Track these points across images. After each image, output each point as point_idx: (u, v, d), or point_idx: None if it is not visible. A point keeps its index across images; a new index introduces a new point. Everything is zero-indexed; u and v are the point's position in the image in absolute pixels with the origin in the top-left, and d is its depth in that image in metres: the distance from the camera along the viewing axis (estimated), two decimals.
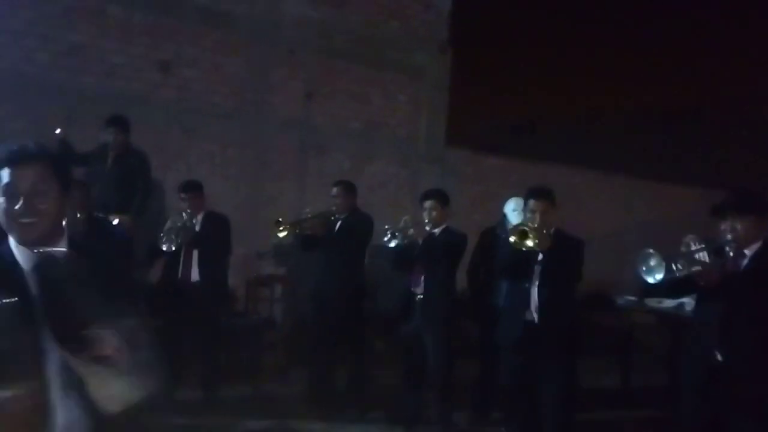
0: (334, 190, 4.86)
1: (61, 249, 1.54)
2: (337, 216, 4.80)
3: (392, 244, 4.17)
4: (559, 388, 3.54)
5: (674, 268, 2.71)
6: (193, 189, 4.65)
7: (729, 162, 12.01)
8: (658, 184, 9.69)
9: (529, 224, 3.51)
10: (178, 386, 4.62)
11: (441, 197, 4.37)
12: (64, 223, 1.62)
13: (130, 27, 5.72)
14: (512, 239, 3.48)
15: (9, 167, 1.53)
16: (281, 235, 4.77)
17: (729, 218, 2.84)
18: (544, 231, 3.46)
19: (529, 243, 3.44)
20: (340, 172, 6.59)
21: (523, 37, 9.86)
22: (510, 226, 4.43)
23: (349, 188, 4.90)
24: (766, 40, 9.89)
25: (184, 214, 4.52)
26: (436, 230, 4.27)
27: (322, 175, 6.67)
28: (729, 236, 2.82)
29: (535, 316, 3.56)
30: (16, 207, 1.51)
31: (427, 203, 4.31)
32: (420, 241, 4.17)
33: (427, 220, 4.26)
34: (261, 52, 6.43)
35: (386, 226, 4.24)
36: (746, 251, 2.83)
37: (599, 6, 10.00)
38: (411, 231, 4.16)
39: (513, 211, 4.48)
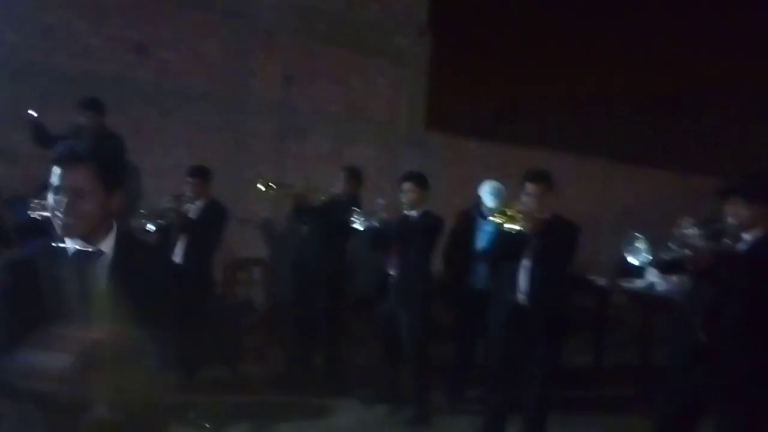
0: (341, 174, 4.87)
1: (95, 249, 1.66)
2: (336, 198, 4.77)
3: (357, 227, 4.21)
4: (546, 369, 3.59)
5: (664, 249, 2.65)
6: (199, 174, 4.63)
7: (706, 147, 12.19)
8: (635, 168, 9.81)
9: (514, 208, 3.52)
10: None
11: (419, 180, 4.39)
12: (111, 222, 1.71)
13: (105, 7, 5.64)
14: (495, 220, 3.52)
15: (59, 166, 1.63)
16: (261, 188, 4.73)
17: (734, 202, 2.72)
18: (534, 214, 3.45)
19: (511, 225, 3.45)
20: (319, 156, 6.60)
21: (504, 22, 9.88)
22: (485, 209, 4.50)
23: (354, 175, 4.92)
24: (745, 28, 10.02)
25: (184, 198, 4.49)
26: (414, 212, 4.30)
27: (302, 159, 6.67)
28: (731, 220, 2.72)
29: (524, 298, 3.58)
30: (60, 206, 1.61)
31: (405, 185, 4.34)
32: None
33: (404, 202, 4.29)
34: (239, 35, 6.38)
35: (355, 209, 4.26)
36: (746, 237, 2.73)
37: None
38: (383, 214, 4.18)
39: (488, 194, 4.52)
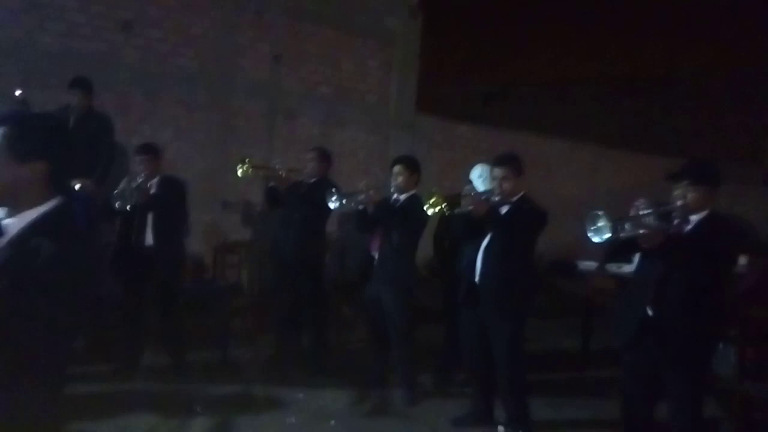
0: (309, 154, 4.86)
1: None
2: (304, 180, 4.80)
3: (332, 206, 4.21)
4: (504, 348, 3.64)
5: (621, 229, 2.82)
6: (149, 151, 4.56)
7: (693, 131, 12.24)
8: (624, 152, 9.84)
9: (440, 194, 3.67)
10: (143, 352, 4.63)
11: (410, 163, 4.38)
12: (40, 194, 1.65)
13: None
14: (431, 210, 3.65)
15: None
16: (239, 171, 4.77)
17: (682, 185, 2.94)
18: (475, 197, 3.62)
19: (434, 209, 3.63)
20: (309, 138, 6.54)
21: (495, 5, 9.80)
22: (469, 191, 4.50)
23: (323, 155, 4.88)
24: (732, 11, 10.00)
25: (138, 177, 4.45)
26: (402, 196, 4.29)
27: (291, 141, 6.61)
28: (679, 202, 2.93)
29: (477, 277, 3.71)
30: None
31: (396, 168, 4.33)
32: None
33: (394, 185, 4.28)
34: (228, 13, 6.28)
35: (332, 189, 4.25)
36: (692, 218, 2.95)
37: None
38: (362, 196, 4.17)
39: (479, 177, 4.50)
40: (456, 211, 3.64)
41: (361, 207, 4.23)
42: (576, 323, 5.53)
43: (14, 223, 1.63)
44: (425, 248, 4.68)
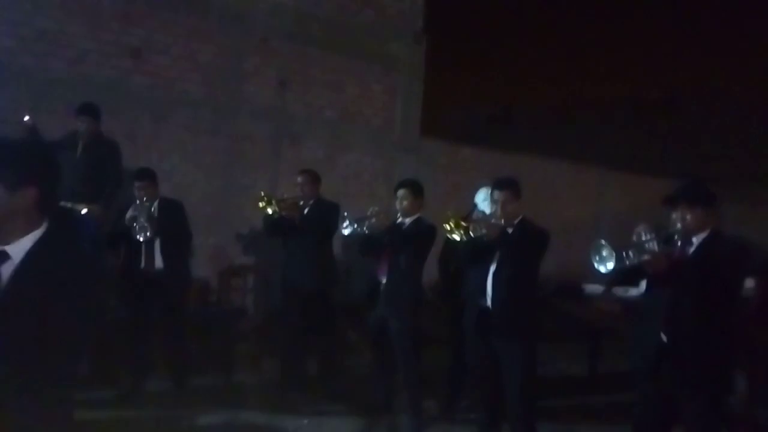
0: (300, 178, 4.90)
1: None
2: (303, 204, 4.81)
3: (346, 232, 4.20)
4: (517, 373, 3.62)
5: (625, 257, 2.83)
6: (147, 177, 4.61)
7: (699, 153, 12.24)
8: (629, 174, 9.84)
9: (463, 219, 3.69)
10: (147, 377, 4.61)
11: (414, 187, 4.39)
12: (31, 222, 1.65)
13: (100, 12, 5.62)
14: (452, 236, 3.65)
15: None
16: (264, 206, 4.62)
17: (679, 208, 2.97)
18: (491, 222, 3.65)
19: (456, 236, 3.63)
20: (314, 162, 6.57)
21: (498, 28, 9.90)
22: (479, 216, 4.50)
23: (313, 177, 4.92)
24: (738, 34, 10.08)
25: (142, 203, 4.48)
26: (407, 220, 4.30)
27: (297, 165, 6.61)
28: (678, 225, 2.96)
29: (489, 302, 3.69)
30: None
31: (400, 192, 4.34)
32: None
33: (398, 209, 4.29)
34: (234, 40, 6.36)
35: (345, 213, 4.26)
36: (694, 239, 2.97)
37: None
38: (373, 220, 4.18)
39: (483, 200, 4.52)
40: (472, 235, 3.64)
41: (367, 232, 4.23)
42: (582, 347, 5.48)
43: (16, 249, 1.63)
44: (430, 272, 4.67)
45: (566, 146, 9.65)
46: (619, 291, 5.11)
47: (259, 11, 6.48)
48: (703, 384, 2.87)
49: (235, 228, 6.25)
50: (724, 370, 2.96)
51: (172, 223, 4.58)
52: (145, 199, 4.51)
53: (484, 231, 3.60)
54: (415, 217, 4.32)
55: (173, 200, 4.74)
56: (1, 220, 1.62)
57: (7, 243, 1.62)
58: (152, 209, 4.53)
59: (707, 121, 12.53)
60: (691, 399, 2.90)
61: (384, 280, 4.29)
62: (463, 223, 3.66)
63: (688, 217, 2.94)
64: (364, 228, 4.20)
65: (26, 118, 4.65)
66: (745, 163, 12.03)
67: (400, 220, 4.30)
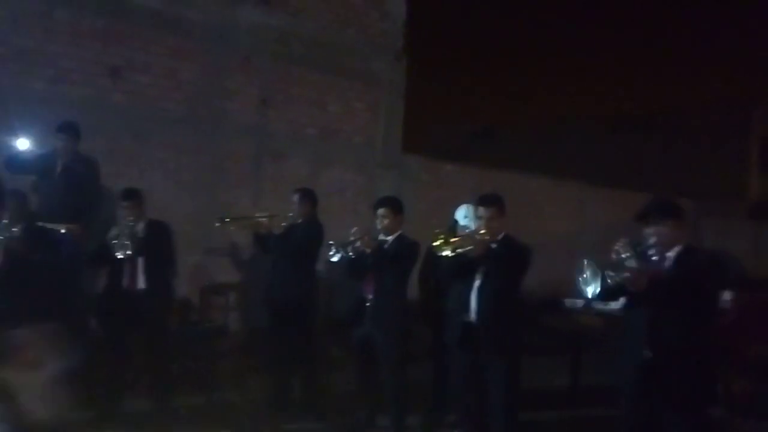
0: (294, 196, 4.90)
1: None
2: (291, 222, 4.82)
3: (335, 259, 4.19)
4: (502, 388, 3.64)
5: (607, 275, 2.90)
6: (132, 197, 4.59)
7: (677, 168, 12.44)
8: (609, 189, 9.97)
9: (456, 234, 3.80)
10: (128, 396, 4.55)
11: (394, 204, 4.42)
12: None
13: (79, 31, 5.60)
14: (443, 253, 3.65)
15: None
16: (218, 225, 4.92)
17: (651, 223, 3.02)
18: (477, 237, 3.67)
19: (446, 252, 3.64)
20: (296, 179, 6.58)
21: (479, 46, 10.06)
22: (464, 232, 4.53)
23: (307, 196, 4.92)
24: (715, 50, 10.31)
25: (128, 222, 4.46)
26: (389, 238, 4.31)
27: (279, 182, 6.64)
28: (652, 240, 3.00)
29: (474, 317, 3.70)
30: None
31: (380, 211, 4.35)
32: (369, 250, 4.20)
33: (379, 228, 4.30)
34: (215, 58, 6.38)
35: (330, 242, 4.26)
36: (669, 254, 3.02)
37: (553, 16, 10.27)
38: (358, 243, 4.17)
39: (464, 217, 4.56)
40: (459, 251, 3.66)
41: (353, 256, 4.22)
42: (564, 361, 5.50)
43: None
44: (410, 288, 4.68)
45: (547, 162, 9.76)
46: (599, 304, 5.15)
47: (241, 30, 6.51)
48: (690, 397, 2.89)
49: (217, 246, 6.22)
50: (710, 382, 3.01)
51: (158, 244, 4.56)
52: (131, 219, 4.48)
53: (470, 247, 3.62)
54: (396, 234, 4.34)
55: (161, 222, 4.71)
56: None
57: None
58: (136, 228, 4.50)
59: (683, 137, 12.77)
60: (678, 413, 2.92)
61: (370, 299, 4.28)
62: (452, 240, 3.68)
63: (662, 231, 2.99)
64: (349, 252, 4.20)
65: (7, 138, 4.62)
66: (720, 177, 12.25)
67: (381, 237, 4.32)
